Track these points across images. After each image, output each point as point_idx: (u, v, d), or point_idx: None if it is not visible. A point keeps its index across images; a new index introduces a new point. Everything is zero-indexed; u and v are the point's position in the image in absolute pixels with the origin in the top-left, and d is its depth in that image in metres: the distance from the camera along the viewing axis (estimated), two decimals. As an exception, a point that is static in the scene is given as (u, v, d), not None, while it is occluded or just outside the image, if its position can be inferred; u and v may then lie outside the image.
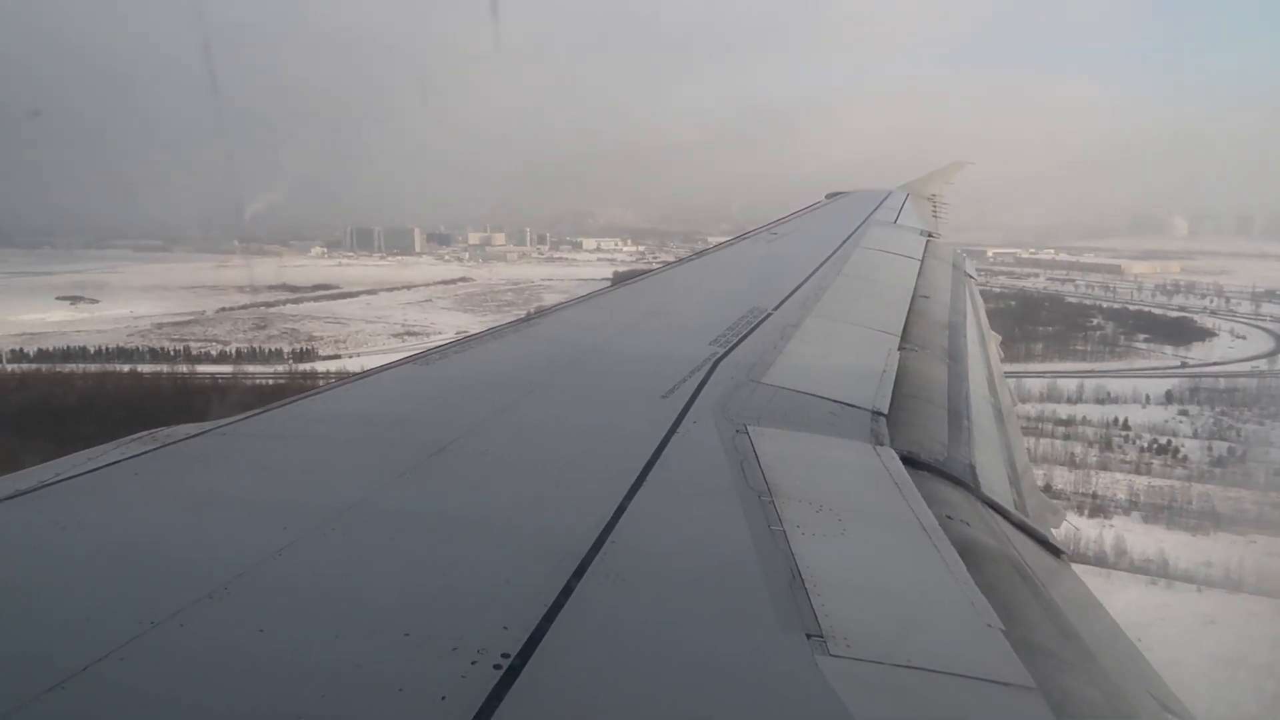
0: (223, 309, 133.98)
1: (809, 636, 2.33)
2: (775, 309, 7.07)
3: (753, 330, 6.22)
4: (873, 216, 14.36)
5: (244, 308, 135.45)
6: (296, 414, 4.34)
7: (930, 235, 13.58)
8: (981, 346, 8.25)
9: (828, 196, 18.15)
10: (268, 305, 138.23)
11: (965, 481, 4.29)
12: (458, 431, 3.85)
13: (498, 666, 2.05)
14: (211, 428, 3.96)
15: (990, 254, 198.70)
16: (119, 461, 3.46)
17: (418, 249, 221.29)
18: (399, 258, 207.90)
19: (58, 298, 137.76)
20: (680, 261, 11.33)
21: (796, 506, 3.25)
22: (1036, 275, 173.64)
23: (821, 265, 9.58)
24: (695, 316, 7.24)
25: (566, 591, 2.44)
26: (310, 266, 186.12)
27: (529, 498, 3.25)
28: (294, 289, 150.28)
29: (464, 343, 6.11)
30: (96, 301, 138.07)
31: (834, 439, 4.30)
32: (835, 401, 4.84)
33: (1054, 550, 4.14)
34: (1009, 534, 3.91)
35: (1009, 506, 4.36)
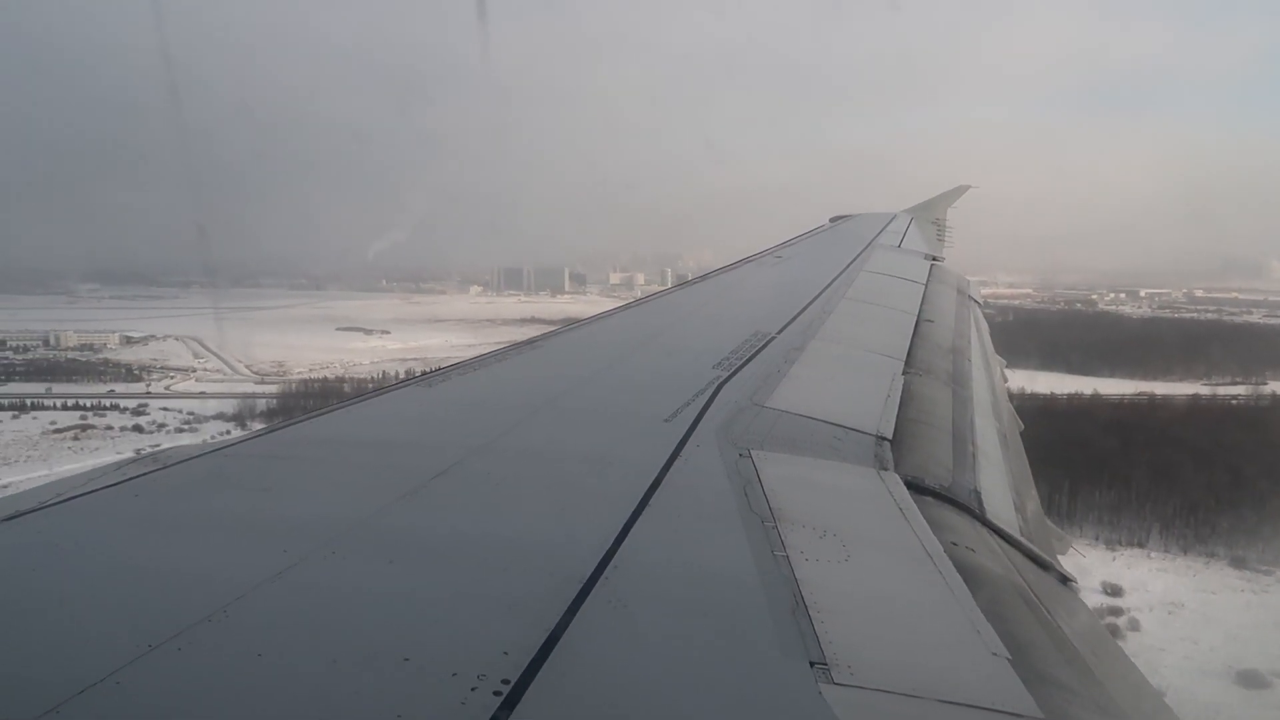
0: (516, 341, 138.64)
1: (812, 664, 2.30)
2: (779, 332, 7.06)
3: (756, 354, 6.21)
4: (877, 240, 14.39)
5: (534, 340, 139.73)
6: (298, 436, 4.33)
7: (935, 259, 13.60)
8: (986, 371, 8.23)
9: (832, 220, 18.18)
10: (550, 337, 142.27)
11: (970, 507, 4.26)
12: (460, 454, 3.84)
13: (498, 693, 2.03)
14: (213, 449, 3.96)
15: (1143, 293, 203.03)
16: (120, 483, 3.46)
17: (567, 288, 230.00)
18: (568, 295, 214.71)
19: (338, 329, 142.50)
20: (684, 285, 11.32)
21: (800, 532, 3.22)
22: (1250, 313, 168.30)
23: (826, 289, 9.58)
24: (698, 340, 7.23)
25: (568, 617, 2.42)
26: (497, 303, 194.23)
27: (531, 522, 3.23)
28: (547, 322, 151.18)
29: (467, 365, 6.10)
30: (388, 333, 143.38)
31: (838, 464, 4.28)
32: (839, 426, 4.82)
33: (1061, 577, 4.11)
34: (1015, 560, 3.88)
35: (1015, 533, 4.32)
